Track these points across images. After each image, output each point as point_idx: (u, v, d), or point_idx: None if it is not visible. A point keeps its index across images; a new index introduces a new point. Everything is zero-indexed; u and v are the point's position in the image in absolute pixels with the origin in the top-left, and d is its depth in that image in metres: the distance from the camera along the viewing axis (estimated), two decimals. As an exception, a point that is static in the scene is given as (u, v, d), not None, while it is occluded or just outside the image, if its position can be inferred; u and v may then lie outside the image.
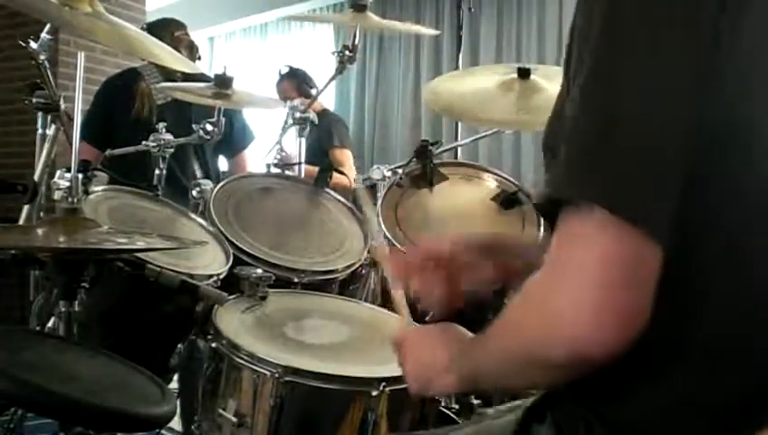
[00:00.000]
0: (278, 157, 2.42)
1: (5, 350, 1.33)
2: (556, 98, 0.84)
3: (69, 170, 1.72)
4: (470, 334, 0.96)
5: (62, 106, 1.92)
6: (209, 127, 2.16)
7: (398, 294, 1.15)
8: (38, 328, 1.86)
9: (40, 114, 2.03)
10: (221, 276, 1.73)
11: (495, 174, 2.16)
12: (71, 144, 1.77)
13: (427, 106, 4.68)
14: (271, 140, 2.55)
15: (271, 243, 1.86)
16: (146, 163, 2.16)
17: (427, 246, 1.15)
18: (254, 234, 1.88)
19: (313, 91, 3.63)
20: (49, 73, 1.86)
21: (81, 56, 1.81)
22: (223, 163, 3.08)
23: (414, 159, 2.06)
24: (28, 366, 1.28)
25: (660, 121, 0.69)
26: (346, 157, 3.78)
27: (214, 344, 1.48)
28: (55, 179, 1.85)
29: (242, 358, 1.42)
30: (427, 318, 1.33)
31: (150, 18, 4.00)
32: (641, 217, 0.67)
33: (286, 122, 2.41)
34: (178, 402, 1.87)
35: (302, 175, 2.40)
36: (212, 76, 2.23)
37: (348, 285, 1.92)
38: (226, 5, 7.22)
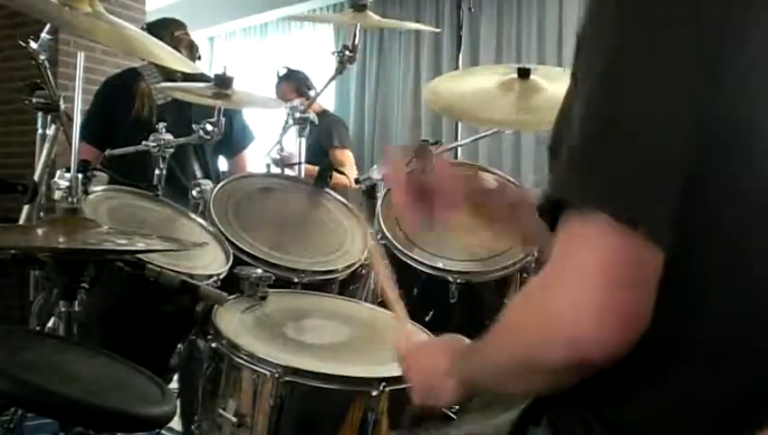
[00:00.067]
0: (278, 156, 2.42)
1: (5, 350, 1.33)
2: (563, 100, 0.84)
3: (69, 170, 1.72)
4: (468, 341, 0.96)
5: (62, 106, 1.92)
6: (209, 127, 2.16)
7: (392, 294, 1.16)
8: (38, 328, 1.86)
9: (40, 114, 2.03)
10: (221, 276, 1.73)
11: (495, 174, 2.17)
12: (70, 144, 1.77)
13: (427, 106, 4.68)
14: (271, 140, 2.55)
15: (271, 243, 1.86)
16: (146, 163, 2.16)
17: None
18: (254, 234, 1.88)
19: (312, 93, 3.63)
20: (49, 73, 1.86)
21: (80, 56, 1.81)
22: (223, 163, 3.08)
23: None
24: (28, 366, 1.28)
25: (660, 122, 0.69)
26: (346, 157, 3.78)
27: (214, 344, 1.48)
28: (55, 179, 1.85)
29: (242, 358, 1.42)
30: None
31: (150, 18, 4.00)
32: (642, 219, 0.67)
33: (287, 123, 2.41)
34: (178, 402, 1.87)
35: (302, 175, 2.41)
36: (212, 76, 2.23)
37: (348, 285, 1.92)
38: (226, 5, 7.22)
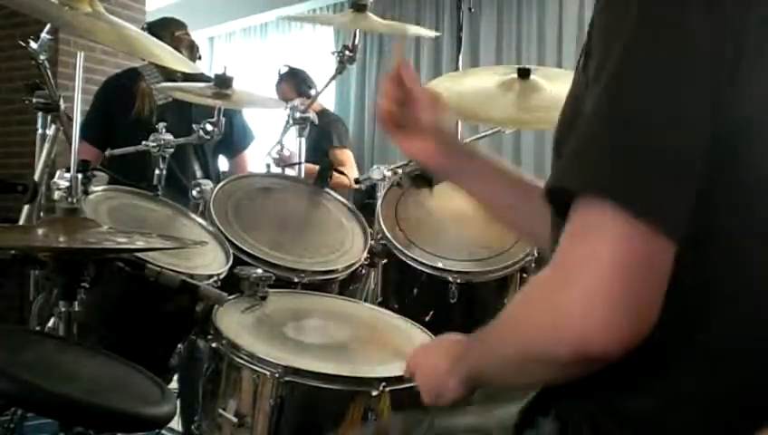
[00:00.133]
0: (277, 156, 2.42)
1: (5, 350, 1.33)
2: (566, 98, 0.83)
3: (69, 170, 1.72)
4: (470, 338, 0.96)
5: (62, 106, 1.92)
6: (209, 127, 2.16)
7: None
8: (38, 328, 1.86)
9: (40, 114, 2.03)
10: (221, 276, 1.73)
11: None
12: (70, 144, 1.77)
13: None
14: (271, 140, 2.55)
15: (271, 243, 1.86)
16: (146, 163, 2.15)
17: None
18: (254, 234, 1.88)
19: (312, 92, 3.63)
20: (49, 73, 1.85)
21: (80, 56, 1.81)
22: (223, 163, 3.08)
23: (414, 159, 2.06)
24: (28, 366, 1.28)
25: (677, 121, 0.69)
26: (346, 156, 3.78)
27: (214, 344, 1.48)
28: (55, 179, 1.85)
29: (242, 358, 1.42)
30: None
31: (150, 18, 4.00)
32: (658, 211, 0.67)
33: (287, 123, 2.41)
34: (178, 402, 1.87)
35: (302, 175, 2.40)
36: (212, 76, 2.23)
37: (348, 285, 1.92)
38: (226, 5, 7.22)
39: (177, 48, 2.69)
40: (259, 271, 1.67)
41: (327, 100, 5.47)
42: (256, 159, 2.99)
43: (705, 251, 0.72)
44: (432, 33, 2.36)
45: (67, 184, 1.70)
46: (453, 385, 0.92)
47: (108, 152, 2.54)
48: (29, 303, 2.08)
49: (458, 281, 1.82)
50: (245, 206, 1.99)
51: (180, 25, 3.01)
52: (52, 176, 1.90)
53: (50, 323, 1.76)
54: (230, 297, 1.61)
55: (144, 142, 2.13)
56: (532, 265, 1.88)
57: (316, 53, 6.25)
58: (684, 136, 0.69)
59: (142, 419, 1.28)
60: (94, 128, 2.81)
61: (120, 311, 1.73)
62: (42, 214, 2.03)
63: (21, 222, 1.95)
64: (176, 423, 1.90)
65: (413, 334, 1.63)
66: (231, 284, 1.68)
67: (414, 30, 2.35)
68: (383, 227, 1.90)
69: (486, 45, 5.59)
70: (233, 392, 1.44)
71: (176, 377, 2.26)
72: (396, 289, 1.94)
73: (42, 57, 1.82)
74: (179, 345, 1.75)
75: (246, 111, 3.09)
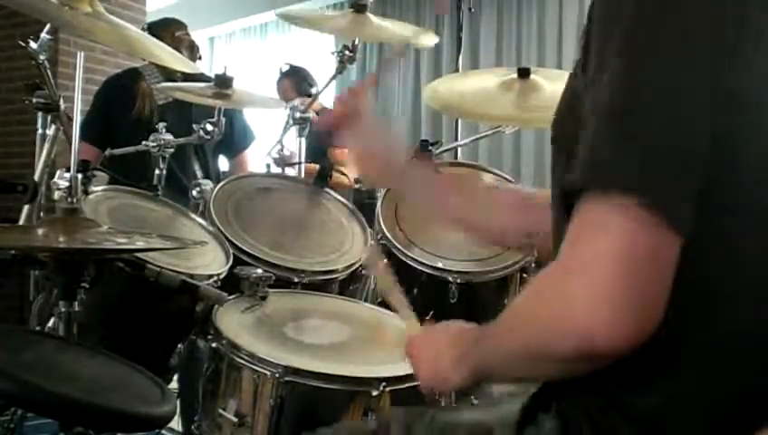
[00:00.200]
0: (277, 155, 2.42)
1: (5, 350, 1.33)
2: (564, 91, 0.83)
3: (69, 170, 1.72)
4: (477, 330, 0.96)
5: (62, 106, 1.92)
6: (209, 127, 2.16)
7: (395, 297, 1.17)
8: (38, 328, 1.86)
9: (40, 114, 2.03)
10: (221, 276, 1.73)
11: (495, 174, 2.17)
12: (70, 144, 1.77)
13: (427, 106, 4.68)
14: (271, 140, 2.55)
15: (271, 243, 1.86)
16: (146, 163, 2.16)
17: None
18: (254, 234, 1.88)
19: (313, 90, 3.63)
20: (49, 73, 1.85)
21: (80, 56, 1.81)
22: (224, 163, 3.08)
23: (414, 159, 2.06)
24: (28, 366, 1.28)
25: (680, 118, 0.68)
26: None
27: (214, 344, 1.48)
28: (55, 179, 1.85)
29: (242, 358, 1.42)
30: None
31: (150, 18, 4.00)
32: (663, 206, 0.66)
33: (287, 123, 2.41)
34: (178, 402, 1.87)
35: (302, 175, 2.40)
36: (212, 76, 2.23)
37: (348, 285, 1.92)
38: (226, 5, 7.22)
39: (177, 48, 2.69)
40: (259, 271, 1.67)
41: (327, 100, 5.46)
42: (256, 159, 2.99)
43: (705, 251, 0.72)
44: (432, 41, 2.33)
45: (67, 184, 1.70)
46: (460, 376, 0.90)
47: (108, 152, 2.54)
48: (29, 303, 2.09)
49: (458, 281, 1.82)
50: (245, 206, 1.99)
51: (181, 26, 3.01)
52: (52, 176, 1.90)
53: (50, 323, 1.77)
54: (230, 297, 1.61)
55: (144, 142, 2.13)
56: (532, 265, 1.87)
57: (316, 52, 6.25)
58: (687, 131, 0.69)
59: (142, 419, 1.28)
60: (94, 128, 2.81)
61: (120, 311, 1.73)
62: (42, 214, 2.03)
63: (21, 222, 1.95)
64: (176, 423, 1.90)
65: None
66: (231, 284, 1.68)
67: (413, 40, 2.32)
68: (383, 227, 1.90)
69: (486, 46, 5.59)
70: (233, 392, 1.44)
71: (176, 377, 2.26)
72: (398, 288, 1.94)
73: (42, 57, 1.82)
74: (179, 345, 1.75)
75: (246, 110, 3.09)
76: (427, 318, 1.36)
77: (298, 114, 2.38)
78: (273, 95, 3.67)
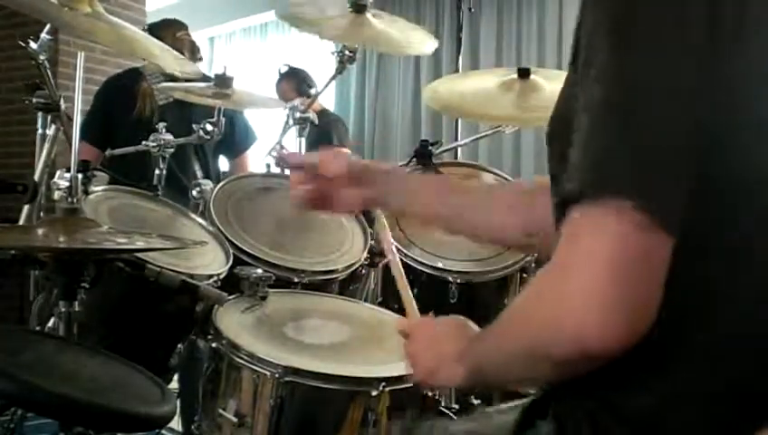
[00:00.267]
0: (275, 155, 2.42)
1: (5, 350, 1.33)
2: (560, 92, 0.83)
3: (69, 170, 1.72)
4: (478, 328, 0.96)
5: (62, 106, 1.92)
6: (209, 127, 2.16)
7: (405, 291, 1.17)
8: (38, 328, 1.86)
9: (40, 114, 2.03)
10: (221, 276, 1.73)
11: (495, 174, 2.17)
12: (70, 144, 1.77)
13: (427, 106, 4.68)
14: (271, 141, 2.55)
15: (271, 243, 1.86)
16: (146, 163, 2.16)
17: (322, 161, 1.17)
18: (254, 234, 1.88)
19: (313, 91, 3.63)
20: (49, 73, 1.85)
21: (81, 56, 1.81)
22: (224, 164, 3.08)
23: (414, 159, 2.06)
24: (28, 366, 1.28)
25: (669, 119, 0.68)
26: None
27: (214, 344, 1.48)
28: (55, 179, 1.85)
29: (242, 358, 1.42)
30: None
31: (150, 18, 4.00)
32: (654, 207, 0.67)
33: (287, 123, 2.41)
34: (178, 402, 1.87)
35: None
36: (212, 76, 2.23)
37: (348, 285, 1.92)
38: (226, 5, 7.22)
39: (178, 49, 2.69)
40: (259, 271, 1.67)
41: (327, 100, 5.47)
42: (257, 159, 2.99)
43: (705, 250, 0.72)
44: (432, 48, 2.30)
45: (67, 184, 1.70)
46: (458, 373, 0.90)
47: (108, 152, 2.54)
48: (29, 303, 2.08)
49: (458, 281, 1.82)
50: (245, 206, 1.99)
51: (182, 26, 3.02)
52: (52, 176, 1.90)
53: (50, 323, 1.77)
54: (230, 297, 1.61)
55: (144, 142, 2.13)
56: (532, 265, 1.88)
57: (316, 52, 6.25)
58: (676, 136, 0.69)
59: (142, 419, 1.28)
60: (94, 127, 2.81)
61: (120, 311, 1.73)
62: (42, 214, 2.03)
63: (21, 222, 1.95)
64: (176, 423, 1.90)
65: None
66: (231, 284, 1.68)
67: (412, 49, 2.31)
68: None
69: (486, 46, 5.59)
70: (233, 392, 1.44)
71: (176, 377, 2.26)
72: (396, 289, 1.93)
73: (42, 57, 1.81)
74: (179, 345, 1.75)
75: (247, 111, 3.09)
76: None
77: (298, 114, 2.37)
78: (273, 95, 3.67)
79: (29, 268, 1.99)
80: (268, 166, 2.47)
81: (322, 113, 3.60)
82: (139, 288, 1.64)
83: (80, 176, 1.72)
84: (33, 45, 1.81)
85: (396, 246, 1.85)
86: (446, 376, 0.93)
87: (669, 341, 0.73)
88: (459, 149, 2.71)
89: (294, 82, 3.83)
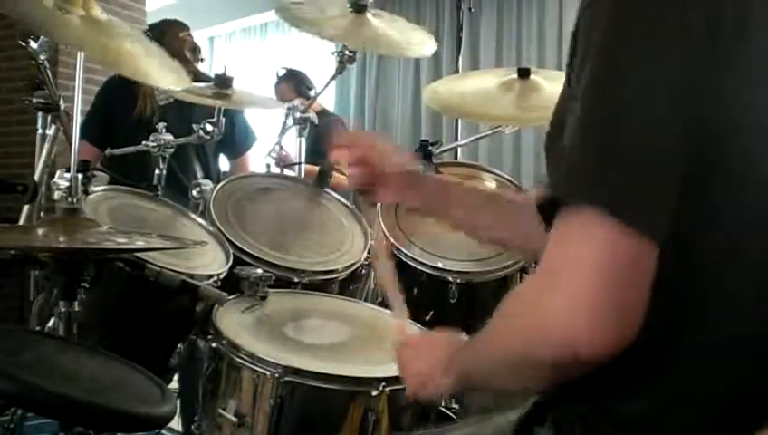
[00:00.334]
0: (274, 155, 2.42)
1: (5, 350, 1.33)
2: (557, 101, 0.84)
3: (69, 170, 1.72)
4: (466, 338, 0.96)
5: (62, 106, 1.92)
6: (209, 127, 2.16)
7: (394, 292, 1.17)
8: (38, 328, 1.86)
9: (40, 114, 2.03)
10: (221, 276, 1.73)
11: (495, 174, 2.17)
12: (70, 144, 1.77)
13: (427, 106, 4.68)
14: (271, 141, 2.55)
15: (271, 243, 1.86)
16: (146, 163, 2.16)
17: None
18: (254, 234, 1.88)
19: (311, 93, 3.63)
20: (49, 73, 1.85)
21: (81, 56, 1.81)
22: (224, 164, 3.08)
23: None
24: (28, 366, 1.28)
25: (658, 121, 0.69)
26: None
27: (214, 344, 1.48)
28: (55, 179, 1.85)
29: (242, 358, 1.42)
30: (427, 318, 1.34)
31: (150, 18, 4.00)
32: (639, 216, 0.67)
33: (286, 123, 2.41)
34: (178, 402, 1.87)
35: (303, 175, 2.40)
36: (212, 76, 2.23)
37: (348, 285, 1.92)
38: (226, 5, 7.22)
39: (180, 50, 2.70)
40: (259, 271, 1.67)
41: (327, 100, 5.47)
42: (257, 159, 2.99)
43: (704, 251, 0.72)
44: (431, 49, 2.29)
45: (67, 184, 1.70)
46: (445, 381, 0.91)
47: (108, 152, 2.54)
48: (29, 303, 2.09)
49: (458, 281, 1.82)
50: (245, 206, 1.99)
51: (183, 27, 3.01)
52: (52, 176, 1.90)
53: (50, 323, 1.77)
54: (230, 297, 1.61)
55: (144, 142, 2.13)
56: (532, 265, 1.87)
57: (316, 52, 6.25)
58: (664, 138, 0.69)
59: (142, 419, 1.28)
60: (94, 127, 2.81)
61: (120, 311, 1.73)
62: (42, 214, 2.03)
63: (21, 222, 1.95)
64: (176, 423, 1.90)
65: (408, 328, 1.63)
66: (231, 284, 1.68)
67: (411, 51, 2.31)
68: (383, 226, 1.90)
69: (486, 46, 5.59)
70: (233, 392, 1.44)
71: (176, 377, 2.26)
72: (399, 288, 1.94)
73: (42, 57, 1.81)
74: (179, 345, 1.75)
75: (246, 111, 3.09)
76: (427, 318, 1.36)
77: (297, 114, 2.37)
78: (273, 96, 3.67)
79: (29, 268, 1.99)
80: (268, 166, 2.48)
81: (322, 113, 3.60)
82: (139, 288, 1.64)
83: (80, 176, 1.72)
84: (34, 45, 1.80)
85: (396, 247, 1.86)
86: (434, 386, 0.94)
87: (664, 344, 0.73)
88: (459, 150, 2.71)
89: (293, 84, 3.82)
